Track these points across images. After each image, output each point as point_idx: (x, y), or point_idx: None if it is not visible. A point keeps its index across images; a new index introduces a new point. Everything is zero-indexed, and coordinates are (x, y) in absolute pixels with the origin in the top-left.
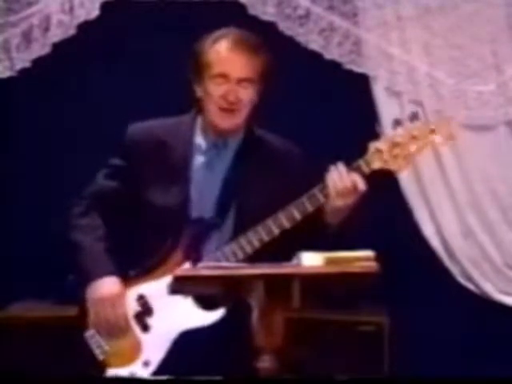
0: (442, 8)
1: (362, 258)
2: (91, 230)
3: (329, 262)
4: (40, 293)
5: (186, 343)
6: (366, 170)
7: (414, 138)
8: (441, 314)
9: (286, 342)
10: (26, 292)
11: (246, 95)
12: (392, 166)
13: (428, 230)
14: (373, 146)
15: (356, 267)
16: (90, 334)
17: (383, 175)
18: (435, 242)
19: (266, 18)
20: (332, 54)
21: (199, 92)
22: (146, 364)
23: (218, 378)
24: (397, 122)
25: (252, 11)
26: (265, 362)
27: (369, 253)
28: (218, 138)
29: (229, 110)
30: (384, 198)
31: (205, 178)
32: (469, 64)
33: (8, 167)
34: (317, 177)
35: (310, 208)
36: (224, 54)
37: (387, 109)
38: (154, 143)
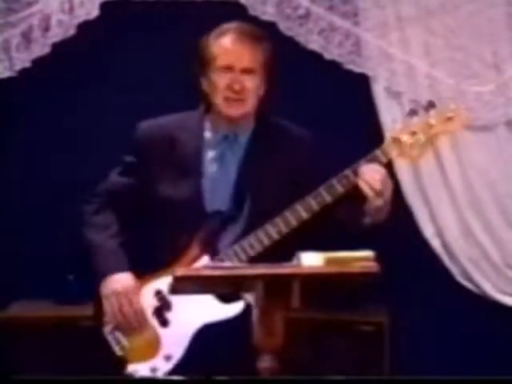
0: (442, 8)
1: (361, 258)
2: (104, 227)
3: (329, 262)
4: (40, 293)
5: (207, 338)
6: (383, 159)
7: (430, 126)
8: (441, 313)
9: (285, 342)
10: (26, 292)
11: (251, 83)
12: (409, 155)
13: (428, 230)
14: (390, 135)
15: (356, 267)
16: (107, 330)
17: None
18: (435, 242)
19: (266, 18)
20: (332, 54)
21: (205, 85)
22: (168, 358)
23: (218, 378)
24: (413, 112)
25: (252, 11)
26: (265, 362)
27: (369, 253)
28: (229, 130)
29: (235, 99)
30: None
31: (218, 172)
32: (469, 64)
33: (8, 167)
34: (331, 163)
35: (327, 198)
36: (228, 46)
37: (387, 109)
38: (164, 139)
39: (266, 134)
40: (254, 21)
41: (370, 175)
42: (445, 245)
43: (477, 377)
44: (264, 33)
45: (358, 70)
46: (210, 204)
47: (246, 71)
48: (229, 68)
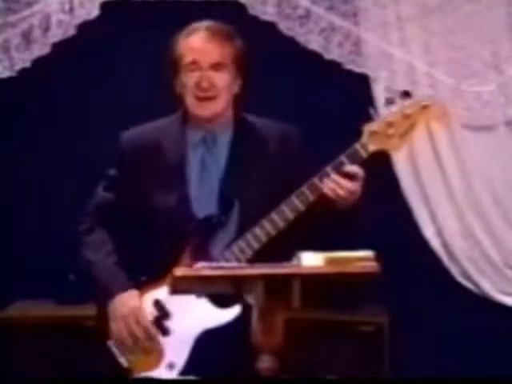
0: (441, 8)
1: (362, 258)
2: (99, 246)
3: (329, 261)
4: (40, 293)
5: (209, 343)
6: (363, 153)
7: (407, 116)
8: (441, 314)
9: (285, 342)
10: (26, 292)
11: (221, 80)
12: (388, 147)
13: (428, 230)
14: (367, 128)
15: (356, 267)
16: (112, 342)
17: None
18: (435, 242)
19: (265, 18)
20: (332, 53)
21: (177, 87)
22: (171, 366)
23: (218, 378)
24: (389, 101)
25: (252, 11)
26: (265, 362)
27: (369, 253)
28: (206, 132)
29: (205, 98)
30: (384, 198)
31: (200, 177)
32: (469, 64)
33: (8, 167)
34: (316, 158)
35: (311, 197)
36: (195, 43)
37: (387, 109)
38: (147, 147)
39: (247, 133)
40: (254, 21)
41: (337, 182)
42: (445, 245)
43: (477, 376)
44: (234, 30)
45: (357, 69)
46: (199, 210)
47: (214, 67)
48: (195, 63)
